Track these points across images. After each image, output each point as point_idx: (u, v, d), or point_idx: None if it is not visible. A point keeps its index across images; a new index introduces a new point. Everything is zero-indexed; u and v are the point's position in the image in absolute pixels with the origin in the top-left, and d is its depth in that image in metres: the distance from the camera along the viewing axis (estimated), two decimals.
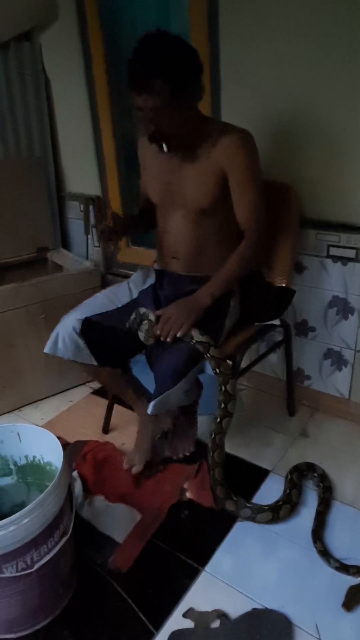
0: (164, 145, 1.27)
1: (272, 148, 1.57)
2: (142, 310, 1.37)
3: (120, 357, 1.49)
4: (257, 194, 1.31)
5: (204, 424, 1.62)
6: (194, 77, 1.20)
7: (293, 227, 1.53)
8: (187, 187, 1.32)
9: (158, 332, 1.28)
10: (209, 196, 1.31)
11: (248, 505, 1.38)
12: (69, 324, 1.37)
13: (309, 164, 1.53)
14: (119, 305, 1.45)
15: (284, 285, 1.53)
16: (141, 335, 1.33)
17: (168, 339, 1.27)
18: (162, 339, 1.28)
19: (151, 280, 1.52)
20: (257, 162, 1.31)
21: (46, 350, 1.38)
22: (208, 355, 1.28)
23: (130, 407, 1.67)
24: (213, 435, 1.36)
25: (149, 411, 1.23)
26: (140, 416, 1.57)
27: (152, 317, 1.33)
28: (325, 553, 1.26)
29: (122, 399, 1.64)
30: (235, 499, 1.38)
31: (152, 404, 1.22)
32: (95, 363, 1.40)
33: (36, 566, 1.03)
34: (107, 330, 1.39)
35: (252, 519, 1.36)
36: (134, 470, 1.50)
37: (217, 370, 1.30)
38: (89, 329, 1.37)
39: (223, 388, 1.32)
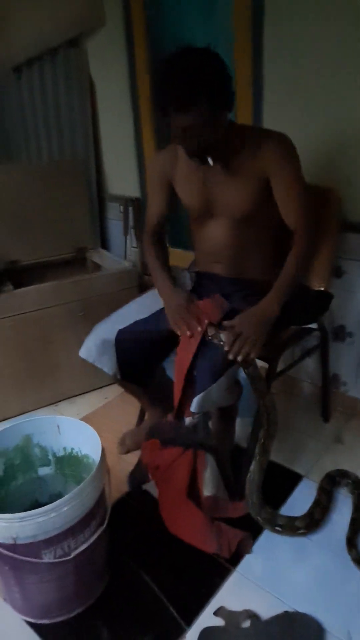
0: (209, 159, 1.24)
1: (314, 152, 1.56)
2: (212, 331, 1.29)
3: (144, 373, 1.50)
4: (303, 194, 1.31)
5: (238, 427, 1.62)
6: (228, 86, 1.19)
7: (333, 230, 1.52)
8: (229, 196, 1.32)
9: (229, 354, 1.21)
10: (251, 202, 1.31)
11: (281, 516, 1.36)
12: (102, 333, 1.40)
13: (352, 168, 1.52)
14: (154, 311, 1.45)
15: (322, 289, 1.52)
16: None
17: (239, 359, 1.21)
18: (231, 357, 1.22)
19: (188, 282, 1.53)
20: (299, 164, 1.31)
21: (81, 353, 1.42)
22: (246, 371, 1.28)
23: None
24: (260, 443, 1.36)
25: (192, 409, 1.24)
26: (150, 419, 1.66)
27: (223, 338, 1.25)
28: None
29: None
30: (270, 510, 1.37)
31: (195, 400, 1.23)
32: (119, 376, 1.44)
33: (73, 554, 1.06)
34: (139, 339, 1.39)
35: (289, 527, 1.33)
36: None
37: (254, 387, 1.31)
38: (121, 341, 1.39)
39: (262, 402, 1.32)
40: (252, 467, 1.37)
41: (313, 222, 1.35)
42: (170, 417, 1.37)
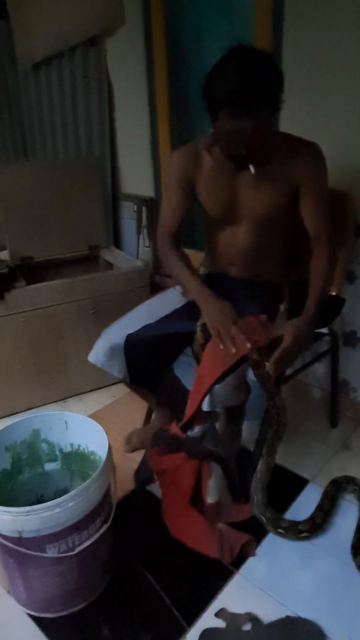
0: (251, 167, 1.21)
1: (329, 155, 1.54)
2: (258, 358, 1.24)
3: (153, 377, 1.50)
4: (327, 206, 1.30)
5: (245, 430, 1.62)
6: (282, 92, 1.14)
7: (348, 235, 1.51)
8: (257, 201, 1.30)
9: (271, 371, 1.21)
10: (276, 208, 1.30)
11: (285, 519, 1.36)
12: (111, 338, 1.40)
13: None
14: (163, 315, 1.45)
15: (334, 293, 1.52)
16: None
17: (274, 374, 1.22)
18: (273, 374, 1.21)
19: None
20: (327, 175, 1.30)
21: (89, 358, 1.42)
22: (256, 372, 1.28)
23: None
24: (268, 443, 1.36)
25: (204, 407, 1.24)
26: (157, 418, 1.66)
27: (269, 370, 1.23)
28: None
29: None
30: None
31: (206, 400, 1.23)
32: (128, 380, 1.44)
33: (77, 550, 1.07)
34: (148, 344, 1.38)
35: (292, 530, 1.33)
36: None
37: (264, 387, 1.30)
38: (130, 346, 1.38)
39: (272, 403, 1.32)
40: (259, 467, 1.37)
41: (333, 233, 1.34)
42: (174, 425, 1.37)
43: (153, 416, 1.74)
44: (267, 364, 1.25)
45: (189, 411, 1.31)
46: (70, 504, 1.02)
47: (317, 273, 1.30)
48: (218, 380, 1.24)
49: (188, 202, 1.41)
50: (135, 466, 1.58)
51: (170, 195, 1.41)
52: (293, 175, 1.26)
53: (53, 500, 1.00)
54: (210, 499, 1.38)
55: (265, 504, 1.36)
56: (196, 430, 1.31)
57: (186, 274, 1.38)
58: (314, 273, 1.30)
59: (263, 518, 1.35)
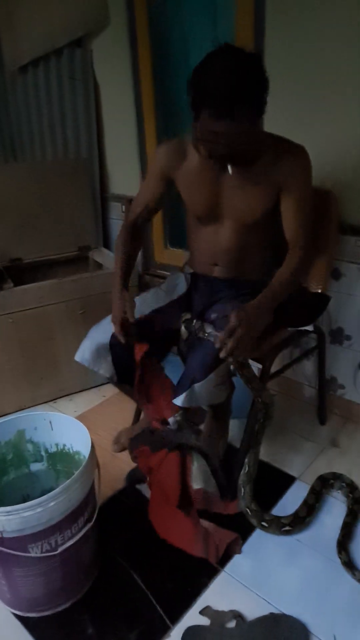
0: (229, 167, 1.21)
1: (314, 154, 1.55)
2: (209, 329, 1.30)
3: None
4: (309, 212, 1.29)
5: (234, 428, 1.62)
6: (267, 94, 1.11)
7: (332, 232, 1.51)
8: (240, 201, 1.30)
9: (221, 352, 1.18)
10: (261, 210, 1.30)
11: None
12: (97, 337, 1.40)
13: (351, 170, 1.51)
14: (146, 312, 1.45)
15: (319, 291, 1.52)
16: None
17: (230, 360, 1.21)
18: (222, 356, 1.18)
19: (182, 284, 1.53)
20: (311, 180, 1.30)
21: (76, 358, 1.42)
22: (240, 373, 1.28)
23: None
24: (255, 436, 1.38)
25: (179, 403, 1.24)
26: (145, 418, 1.64)
27: (208, 330, 1.27)
28: (349, 565, 1.23)
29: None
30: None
31: (183, 395, 1.23)
32: (115, 379, 1.44)
33: (60, 549, 1.07)
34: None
35: (274, 524, 1.34)
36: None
37: (250, 386, 1.31)
38: (115, 344, 1.38)
39: (259, 399, 1.33)
40: (247, 459, 1.38)
41: (310, 241, 1.33)
42: (155, 424, 1.38)
43: (142, 416, 1.74)
44: (250, 365, 1.28)
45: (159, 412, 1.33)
46: (52, 504, 1.02)
47: (280, 274, 1.28)
48: (190, 370, 1.26)
49: (162, 197, 1.41)
50: (124, 465, 1.58)
51: (146, 185, 1.42)
52: (277, 179, 1.25)
53: (34, 500, 1.00)
54: (195, 485, 1.38)
55: (252, 496, 1.37)
56: (171, 421, 1.31)
57: (117, 267, 1.41)
58: (277, 274, 1.29)
59: (248, 510, 1.36)
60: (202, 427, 1.53)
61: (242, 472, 1.39)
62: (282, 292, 1.28)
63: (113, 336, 1.38)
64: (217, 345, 1.18)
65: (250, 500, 1.36)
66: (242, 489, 1.37)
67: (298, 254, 1.30)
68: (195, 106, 1.09)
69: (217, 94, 1.03)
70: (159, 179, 1.38)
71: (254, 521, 1.35)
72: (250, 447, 1.38)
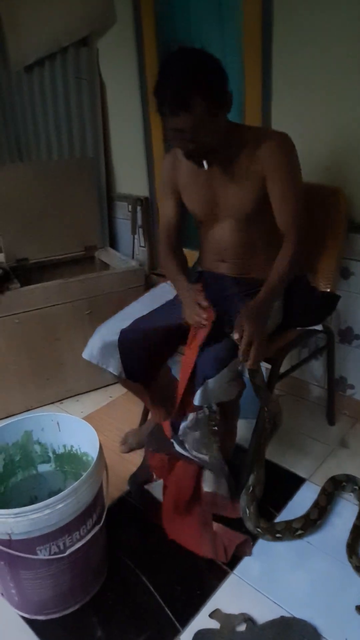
0: (204, 163, 1.23)
1: (322, 152, 1.54)
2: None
3: (148, 372, 1.48)
4: (298, 199, 1.28)
5: (241, 429, 1.61)
6: (224, 87, 1.17)
7: (340, 231, 1.49)
8: (231, 197, 1.31)
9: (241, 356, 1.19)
10: (253, 203, 1.30)
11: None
12: (105, 334, 1.40)
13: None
14: (158, 306, 1.46)
15: (328, 290, 1.50)
16: None
17: (248, 365, 1.20)
18: (241, 360, 1.20)
19: (169, 293, 1.52)
20: (298, 166, 1.29)
21: (84, 355, 1.42)
22: (253, 380, 1.27)
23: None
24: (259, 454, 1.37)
25: (196, 402, 1.23)
26: (153, 418, 1.65)
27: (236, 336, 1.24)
28: None
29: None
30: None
31: (198, 393, 1.22)
32: (124, 376, 1.42)
33: (68, 551, 1.06)
34: (141, 338, 1.38)
35: (288, 531, 1.31)
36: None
37: (258, 394, 1.31)
38: (124, 341, 1.38)
39: (266, 409, 1.32)
40: (250, 480, 1.37)
41: (303, 230, 1.32)
42: (166, 424, 1.37)
43: (149, 416, 1.73)
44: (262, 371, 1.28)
45: (177, 398, 1.31)
46: (60, 505, 1.01)
47: (277, 267, 1.29)
48: (204, 366, 1.23)
49: (179, 207, 1.45)
50: (131, 466, 1.57)
51: (164, 201, 1.47)
52: (259, 167, 1.26)
53: (42, 502, 0.99)
54: (206, 487, 1.37)
55: (258, 516, 1.34)
56: (190, 418, 1.29)
57: (174, 275, 1.44)
58: (275, 266, 1.30)
59: (258, 530, 1.32)
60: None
61: (243, 492, 1.36)
62: (281, 285, 1.31)
63: (121, 333, 1.37)
64: (241, 358, 1.19)
65: (257, 520, 1.33)
66: (247, 511, 1.34)
67: (294, 243, 1.30)
68: (159, 111, 1.15)
69: (169, 91, 1.10)
70: (169, 195, 1.44)
71: (267, 537, 1.32)
72: (254, 469, 1.36)
